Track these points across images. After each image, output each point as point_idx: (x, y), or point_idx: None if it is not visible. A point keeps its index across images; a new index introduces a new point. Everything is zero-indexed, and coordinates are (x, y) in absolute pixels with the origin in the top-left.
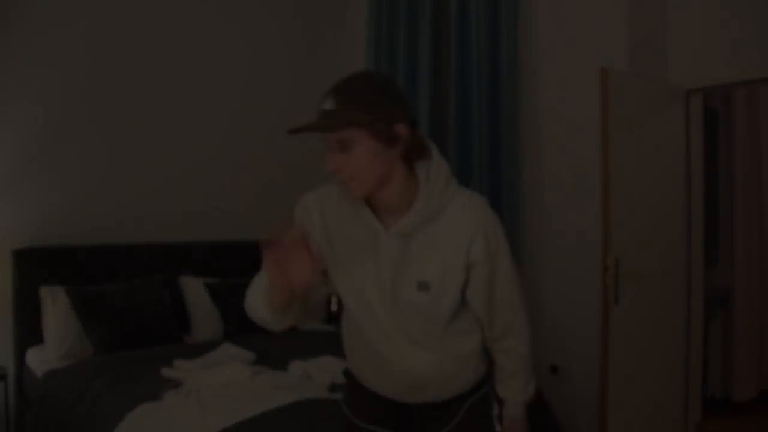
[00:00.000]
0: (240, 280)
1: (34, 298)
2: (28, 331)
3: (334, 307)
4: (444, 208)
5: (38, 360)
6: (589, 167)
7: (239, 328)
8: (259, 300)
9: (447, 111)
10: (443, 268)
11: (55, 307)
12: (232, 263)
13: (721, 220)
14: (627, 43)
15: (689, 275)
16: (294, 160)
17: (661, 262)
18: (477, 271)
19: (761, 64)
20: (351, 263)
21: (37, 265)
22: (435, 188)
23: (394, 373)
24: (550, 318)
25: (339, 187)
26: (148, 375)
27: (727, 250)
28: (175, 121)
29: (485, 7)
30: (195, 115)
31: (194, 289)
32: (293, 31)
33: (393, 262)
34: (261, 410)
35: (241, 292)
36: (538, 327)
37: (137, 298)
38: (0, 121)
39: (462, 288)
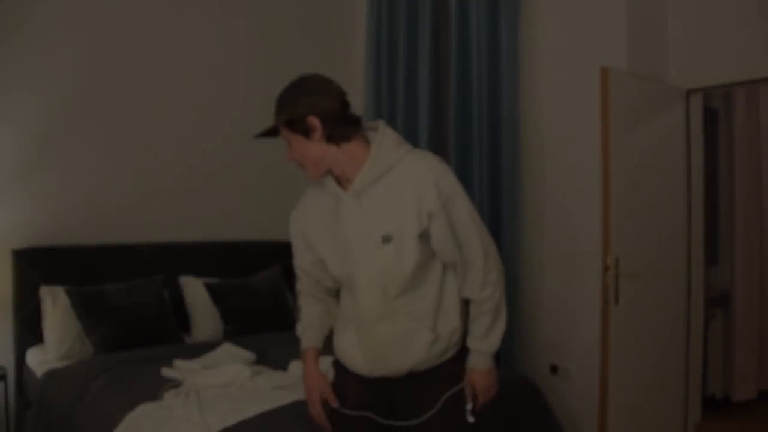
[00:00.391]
0: (240, 280)
1: (34, 298)
2: (28, 331)
3: None
4: (394, 166)
5: (38, 360)
6: (589, 167)
7: (239, 328)
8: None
9: (447, 111)
10: (400, 219)
11: (55, 307)
12: (232, 263)
13: (721, 220)
14: (627, 43)
15: (689, 275)
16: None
17: (661, 262)
18: (436, 221)
19: (761, 64)
20: (331, 235)
21: (37, 265)
22: (380, 150)
23: (363, 339)
24: (550, 318)
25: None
26: (148, 375)
27: (727, 250)
28: (175, 121)
29: (485, 7)
30: (196, 115)
31: (194, 289)
32: (293, 31)
33: (356, 221)
34: (261, 410)
35: (241, 292)
36: (538, 327)
37: (137, 298)
38: (0, 122)
39: (420, 238)
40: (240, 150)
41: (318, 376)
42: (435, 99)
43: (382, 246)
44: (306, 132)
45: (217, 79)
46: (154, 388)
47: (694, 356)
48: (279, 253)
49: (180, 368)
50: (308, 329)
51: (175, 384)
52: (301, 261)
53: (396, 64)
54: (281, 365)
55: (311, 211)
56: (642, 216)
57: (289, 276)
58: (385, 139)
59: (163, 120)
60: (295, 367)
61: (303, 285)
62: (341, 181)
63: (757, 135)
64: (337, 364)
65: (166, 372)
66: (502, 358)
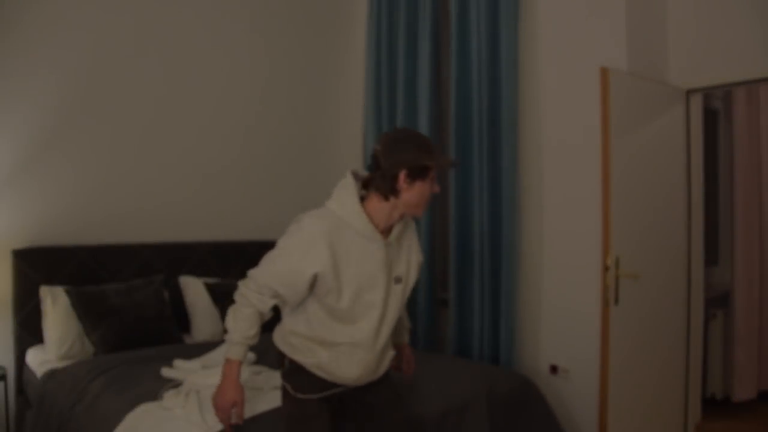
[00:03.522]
0: (240, 280)
1: (34, 298)
2: (28, 331)
3: None
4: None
5: (38, 360)
6: (589, 167)
7: None
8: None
9: (447, 111)
10: (407, 265)
11: (55, 307)
12: (232, 263)
13: (721, 220)
14: (627, 43)
15: (689, 275)
16: (294, 161)
17: (661, 262)
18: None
19: (761, 64)
20: (354, 291)
21: (37, 265)
22: None
23: (368, 360)
24: (550, 318)
25: (351, 219)
26: (148, 375)
27: (727, 250)
28: (175, 121)
29: (485, 7)
30: (195, 116)
31: (194, 289)
32: (293, 32)
33: (386, 264)
34: (261, 410)
35: None
36: (538, 327)
37: (137, 298)
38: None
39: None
40: (240, 150)
41: (239, 390)
42: (435, 99)
43: (395, 285)
44: None
45: (217, 80)
46: (154, 388)
47: (694, 356)
48: None
49: (180, 368)
50: (244, 345)
51: (175, 384)
52: (288, 291)
53: (396, 64)
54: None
55: (343, 246)
56: (642, 216)
57: None
58: None
59: (163, 120)
60: None
61: (261, 303)
62: (378, 228)
63: (757, 135)
64: (299, 372)
65: (166, 372)
66: (502, 358)
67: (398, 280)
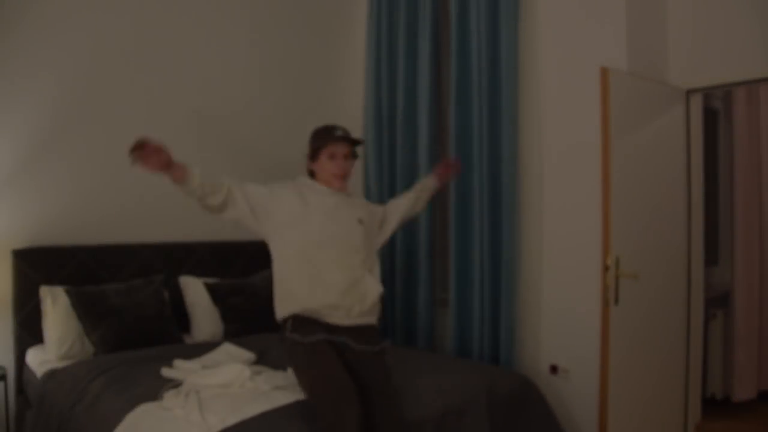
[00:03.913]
0: (240, 280)
1: (34, 298)
2: (28, 331)
3: None
4: None
5: (38, 360)
6: (589, 167)
7: (239, 328)
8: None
9: (447, 111)
10: (369, 215)
11: (55, 307)
12: (232, 263)
13: (721, 220)
14: (627, 43)
15: (689, 275)
16: (294, 161)
17: (661, 262)
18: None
19: (761, 64)
20: (322, 216)
21: (37, 265)
22: None
23: (350, 263)
24: (550, 318)
25: (309, 182)
26: (148, 375)
27: (727, 250)
28: (174, 121)
29: (485, 7)
30: (194, 116)
31: (194, 289)
32: (293, 32)
33: (344, 204)
34: (261, 410)
35: (241, 292)
36: (538, 327)
37: (137, 298)
38: None
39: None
40: (238, 150)
41: (162, 164)
42: (435, 99)
43: (358, 224)
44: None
45: (217, 80)
46: (154, 388)
47: (694, 356)
48: None
49: (180, 368)
50: (195, 183)
51: (175, 384)
52: (255, 194)
53: (396, 64)
54: (281, 365)
55: (306, 192)
56: (642, 216)
57: None
58: None
59: (162, 121)
60: None
61: (231, 189)
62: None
63: (757, 135)
64: (299, 321)
65: (166, 372)
66: (502, 358)
67: (360, 221)
